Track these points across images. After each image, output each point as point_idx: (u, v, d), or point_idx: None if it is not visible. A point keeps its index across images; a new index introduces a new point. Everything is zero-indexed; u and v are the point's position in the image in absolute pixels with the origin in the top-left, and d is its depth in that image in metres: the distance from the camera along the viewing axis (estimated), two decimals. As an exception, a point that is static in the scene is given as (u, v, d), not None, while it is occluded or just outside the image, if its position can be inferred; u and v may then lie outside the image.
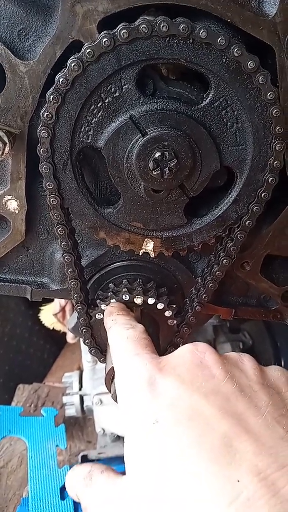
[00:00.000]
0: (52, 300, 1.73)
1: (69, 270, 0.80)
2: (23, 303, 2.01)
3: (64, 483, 1.58)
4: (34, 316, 1.93)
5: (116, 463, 1.64)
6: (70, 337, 1.84)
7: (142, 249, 0.79)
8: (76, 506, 1.55)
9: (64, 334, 1.84)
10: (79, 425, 1.84)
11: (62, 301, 1.71)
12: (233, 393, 0.58)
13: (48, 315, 1.79)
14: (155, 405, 0.58)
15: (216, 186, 0.76)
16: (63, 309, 1.74)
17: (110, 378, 0.77)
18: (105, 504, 0.62)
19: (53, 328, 1.81)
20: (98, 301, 0.85)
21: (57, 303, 1.73)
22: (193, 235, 0.78)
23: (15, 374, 1.99)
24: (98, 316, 0.86)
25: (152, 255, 0.80)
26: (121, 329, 0.75)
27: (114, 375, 0.77)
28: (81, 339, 0.95)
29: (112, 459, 1.65)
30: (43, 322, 1.82)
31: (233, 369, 0.62)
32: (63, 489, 1.59)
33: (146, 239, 0.78)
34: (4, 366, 1.97)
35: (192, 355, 0.63)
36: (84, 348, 1.62)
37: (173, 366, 0.62)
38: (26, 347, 2.05)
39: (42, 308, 1.81)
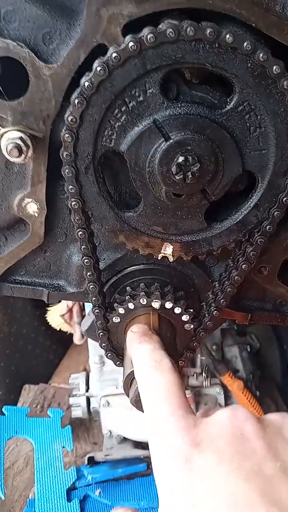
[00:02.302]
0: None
1: (88, 273, 0.80)
2: (29, 304, 2.01)
3: (71, 485, 1.59)
4: (40, 316, 1.93)
5: (122, 465, 1.64)
6: (76, 338, 1.84)
7: (161, 253, 0.79)
8: (82, 507, 1.55)
9: (71, 335, 1.83)
10: (85, 426, 1.84)
11: (70, 302, 1.71)
12: (275, 474, 0.54)
13: (55, 316, 1.78)
14: (193, 487, 0.54)
15: (237, 191, 0.76)
16: (70, 310, 1.74)
17: (128, 382, 0.77)
18: None
19: (59, 329, 1.81)
20: (115, 304, 0.85)
21: (64, 304, 1.73)
22: (213, 240, 0.78)
23: (21, 374, 1.99)
24: (115, 320, 0.86)
25: (171, 259, 0.80)
26: (149, 370, 0.70)
27: (133, 379, 0.77)
28: (92, 343, 0.94)
29: (118, 461, 1.65)
30: (49, 323, 1.82)
31: (276, 440, 0.58)
32: (69, 490, 1.59)
33: (165, 243, 0.78)
34: (10, 367, 1.97)
35: (232, 424, 0.59)
36: (92, 350, 1.62)
37: (211, 438, 0.58)
38: (32, 347, 2.05)
39: (49, 309, 1.80)
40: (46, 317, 1.83)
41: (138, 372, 0.72)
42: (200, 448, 0.57)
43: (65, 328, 1.79)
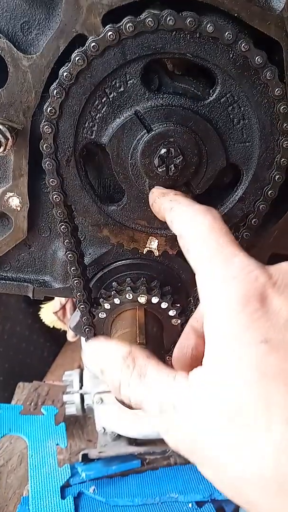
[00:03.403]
0: (52, 298, 1.72)
1: (72, 268, 0.79)
2: (23, 301, 2.01)
3: (65, 482, 1.59)
4: (34, 314, 1.92)
5: (116, 462, 1.63)
6: (70, 336, 1.84)
7: (146, 247, 0.78)
8: (77, 505, 1.55)
9: (64, 332, 1.83)
10: (79, 423, 1.83)
11: (63, 299, 1.70)
12: None
13: (49, 313, 1.78)
14: (267, 323, 0.46)
15: (222, 184, 0.75)
16: (63, 307, 1.73)
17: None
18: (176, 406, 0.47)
19: (53, 326, 1.80)
20: (101, 299, 0.84)
21: (58, 301, 1.72)
22: (198, 233, 0.76)
23: (15, 372, 1.99)
24: (101, 315, 0.85)
25: (156, 253, 0.79)
26: (197, 215, 0.55)
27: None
28: (84, 339, 0.93)
29: (112, 458, 1.64)
30: (43, 320, 1.82)
31: None
32: (63, 488, 1.58)
33: (150, 237, 0.77)
34: (4, 364, 1.96)
35: None
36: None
37: (286, 283, 0.49)
38: (26, 345, 2.04)
39: (42, 306, 1.80)
40: (39, 314, 1.82)
41: (183, 223, 0.57)
42: (276, 287, 0.48)
43: (59, 325, 1.79)
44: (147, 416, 0.49)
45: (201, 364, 0.50)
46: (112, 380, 0.52)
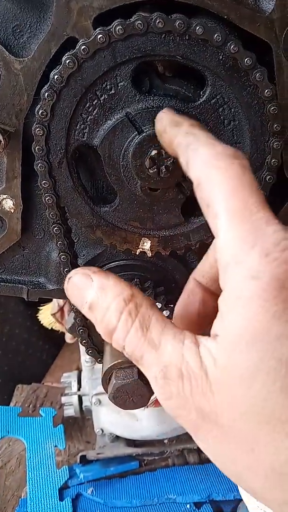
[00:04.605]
0: (50, 300, 1.73)
1: (65, 269, 0.79)
2: (22, 303, 2.01)
3: (63, 484, 1.59)
4: (32, 316, 1.93)
5: (115, 464, 1.64)
6: (68, 337, 1.84)
7: (139, 248, 0.78)
8: (75, 506, 1.55)
9: (63, 334, 1.83)
10: (77, 425, 1.84)
11: (60, 301, 1.71)
12: None
13: (47, 315, 1.78)
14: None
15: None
16: (61, 309, 1.73)
17: (107, 378, 0.77)
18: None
19: (51, 328, 1.81)
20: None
21: (55, 303, 1.72)
22: (191, 234, 0.77)
23: (14, 374, 1.99)
24: (95, 316, 0.85)
25: (149, 254, 0.79)
26: (221, 160, 0.45)
27: (111, 375, 0.76)
28: (79, 340, 0.94)
29: (111, 460, 1.65)
30: (41, 322, 1.82)
31: None
32: (61, 489, 1.59)
33: (143, 238, 0.78)
34: (3, 367, 1.97)
35: None
36: (83, 348, 1.62)
37: None
38: (25, 347, 2.05)
39: (40, 308, 1.80)
40: (38, 316, 1.83)
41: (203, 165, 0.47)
42: None
43: (57, 327, 1.79)
44: (144, 372, 0.46)
45: (209, 322, 0.47)
46: (104, 322, 0.47)
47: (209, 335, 0.45)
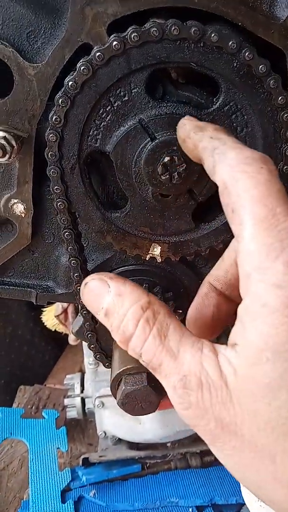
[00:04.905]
0: (54, 302, 1.72)
1: (75, 274, 0.79)
2: (25, 305, 2.01)
3: (65, 486, 1.59)
4: (36, 317, 1.93)
5: (117, 466, 1.63)
6: (72, 339, 1.84)
7: (149, 253, 0.78)
8: (77, 509, 1.55)
9: (66, 336, 1.83)
10: (80, 427, 1.84)
11: (64, 303, 1.70)
12: None
13: (50, 317, 1.78)
14: None
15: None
16: (65, 311, 1.73)
17: (116, 383, 0.76)
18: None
19: (55, 329, 1.81)
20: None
21: (59, 305, 1.72)
22: (201, 240, 0.77)
23: (17, 375, 1.99)
24: (103, 321, 0.85)
25: (159, 260, 0.79)
26: (248, 165, 0.45)
27: (120, 380, 0.76)
28: (86, 344, 0.93)
29: (113, 462, 1.64)
30: (45, 324, 1.82)
31: None
32: (64, 491, 1.58)
33: (153, 244, 0.78)
34: (6, 368, 1.97)
35: None
36: (87, 351, 1.62)
37: None
38: (28, 348, 2.05)
39: (44, 309, 1.80)
40: (41, 318, 1.83)
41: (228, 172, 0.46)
42: None
43: (60, 328, 1.79)
44: (161, 381, 0.45)
45: (222, 327, 0.46)
46: (121, 329, 0.46)
47: (220, 343, 0.45)
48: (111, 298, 0.48)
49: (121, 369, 0.75)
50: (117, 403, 0.76)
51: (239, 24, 0.64)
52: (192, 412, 0.43)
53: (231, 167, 0.45)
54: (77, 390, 1.70)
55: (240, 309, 0.43)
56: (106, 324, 0.48)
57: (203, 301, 0.61)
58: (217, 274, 0.61)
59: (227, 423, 0.42)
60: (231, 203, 0.44)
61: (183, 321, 0.65)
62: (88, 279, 0.51)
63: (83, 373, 1.75)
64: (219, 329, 0.62)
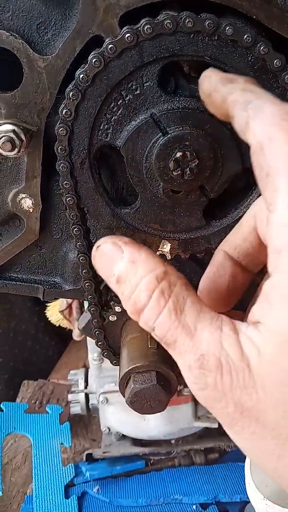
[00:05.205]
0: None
1: (84, 271, 0.78)
2: (29, 300, 2.00)
3: (69, 481, 1.58)
4: (40, 312, 1.92)
5: (121, 463, 1.63)
6: (76, 334, 1.83)
7: (158, 250, 0.77)
8: (80, 504, 1.55)
9: (70, 331, 1.82)
10: (84, 423, 1.83)
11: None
12: None
13: (55, 312, 1.77)
14: None
15: (236, 188, 0.74)
16: (69, 306, 1.73)
17: (124, 382, 0.76)
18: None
19: (59, 325, 1.80)
20: (112, 302, 0.84)
21: (64, 300, 1.71)
22: (211, 237, 0.76)
23: (20, 370, 1.99)
24: (111, 318, 0.84)
25: (169, 257, 0.78)
26: None
27: (129, 378, 0.75)
28: (94, 341, 0.93)
29: (117, 458, 1.64)
30: (49, 319, 1.81)
31: None
32: (67, 487, 1.58)
33: (163, 241, 0.76)
34: (9, 362, 1.96)
35: None
36: (91, 346, 1.61)
37: None
38: (32, 343, 2.04)
39: (48, 304, 1.79)
40: (45, 313, 1.82)
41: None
42: None
43: (65, 324, 1.78)
44: (175, 358, 0.42)
45: (237, 298, 0.42)
46: (133, 299, 0.42)
47: (236, 318, 0.41)
48: (124, 265, 0.43)
49: (130, 367, 0.74)
50: (126, 402, 0.75)
51: (254, 17, 0.62)
52: (209, 393, 0.40)
53: (269, 123, 0.40)
54: (81, 385, 1.69)
55: (267, 286, 0.39)
56: (117, 291, 0.44)
57: (218, 271, 0.56)
58: (233, 242, 0.56)
59: (248, 408, 0.38)
60: (266, 166, 0.39)
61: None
62: (101, 241, 0.45)
63: (87, 368, 1.74)
64: (234, 300, 0.57)
